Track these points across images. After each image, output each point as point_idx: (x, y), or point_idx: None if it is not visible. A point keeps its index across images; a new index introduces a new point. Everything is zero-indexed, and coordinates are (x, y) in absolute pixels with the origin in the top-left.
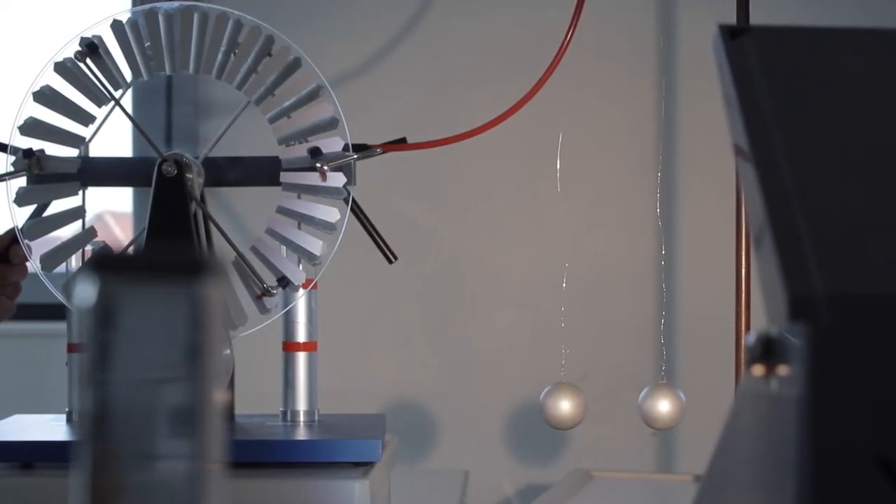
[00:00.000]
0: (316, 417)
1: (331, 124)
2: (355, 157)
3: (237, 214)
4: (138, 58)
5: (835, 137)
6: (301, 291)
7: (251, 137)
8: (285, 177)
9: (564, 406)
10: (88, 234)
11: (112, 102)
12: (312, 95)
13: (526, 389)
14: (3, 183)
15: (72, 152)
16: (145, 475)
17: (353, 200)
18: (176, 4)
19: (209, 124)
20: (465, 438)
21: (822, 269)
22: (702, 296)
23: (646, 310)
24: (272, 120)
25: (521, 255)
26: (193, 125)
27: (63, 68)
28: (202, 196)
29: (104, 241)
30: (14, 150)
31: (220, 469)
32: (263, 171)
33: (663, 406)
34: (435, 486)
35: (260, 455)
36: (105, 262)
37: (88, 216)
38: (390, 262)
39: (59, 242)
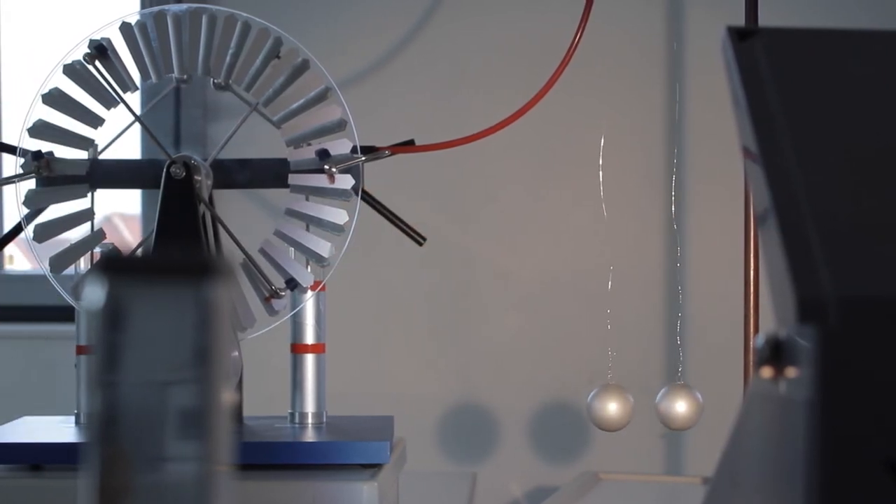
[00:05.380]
0: (324, 419)
1: (339, 126)
2: (363, 158)
3: (245, 216)
4: (147, 60)
5: (844, 139)
6: (309, 293)
7: (259, 139)
8: (293, 179)
9: (612, 408)
10: (97, 236)
11: (123, 105)
12: (321, 97)
13: (534, 391)
14: (13, 185)
15: (81, 154)
16: (154, 477)
17: (368, 194)
18: (184, 6)
19: (217, 126)
20: (474, 440)
21: (831, 270)
22: (710, 298)
23: (654, 312)
24: (280, 122)
25: (529, 256)
26: (202, 127)
27: (72, 70)
28: (211, 198)
29: (113, 243)
30: (23, 153)
31: (229, 471)
32: (272, 173)
33: (681, 406)
34: (443, 487)
35: (268, 457)
36: (114, 264)
37: (97, 218)
38: (420, 244)
39: (67, 245)
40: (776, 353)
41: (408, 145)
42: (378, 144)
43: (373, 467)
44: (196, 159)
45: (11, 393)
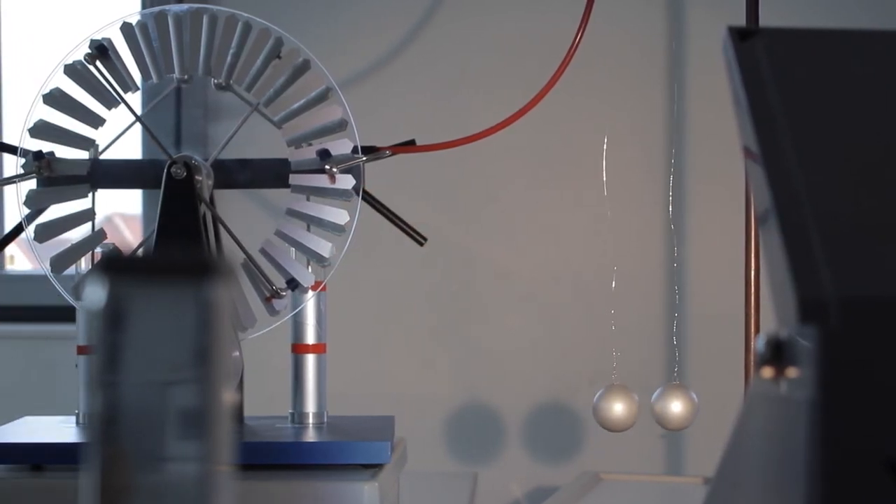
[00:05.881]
0: (325, 419)
1: (340, 126)
2: (364, 159)
3: (246, 217)
4: (148, 60)
5: (845, 139)
6: (310, 293)
7: (260, 139)
8: (294, 179)
9: (618, 408)
10: (98, 236)
11: (124, 105)
12: (321, 97)
13: (535, 391)
14: (14, 185)
15: (82, 155)
16: (154, 477)
17: (369, 194)
18: (185, 7)
19: (218, 127)
20: (474, 440)
21: (832, 271)
22: (711, 297)
23: (655, 312)
24: (281, 122)
25: (530, 256)
26: (202, 127)
27: (73, 70)
28: (211, 198)
29: (114, 244)
30: (24, 153)
31: (229, 471)
32: (272, 173)
33: (676, 406)
34: (444, 487)
35: (269, 457)
36: (114, 265)
37: (98, 218)
38: (421, 244)
39: (68, 245)
40: (777, 353)
41: (409, 145)
42: (379, 144)
43: (373, 467)
44: (197, 159)
45: (12, 393)
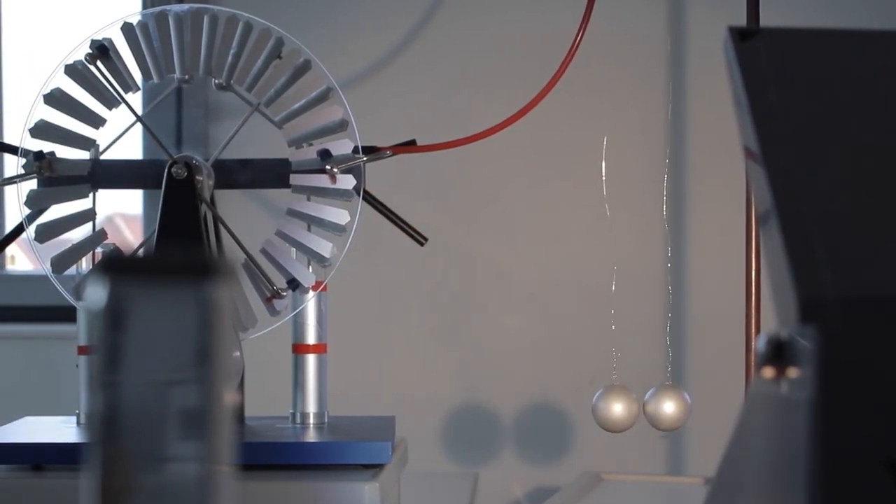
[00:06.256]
0: (325, 419)
1: (340, 126)
2: (365, 159)
3: (247, 217)
4: (148, 60)
5: (846, 139)
6: (311, 293)
7: (261, 140)
8: (295, 179)
9: (617, 409)
10: (99, 236)
11: (125, 105)
12: (322, 98)
13: (536, 391)
14: (14, 185)
15: (82, 155)
16: (155, 477)
17: (370, 194)
18: (186, 7)
19: (219, 127)
20: (475, 440)
21: (833, 271)
22: (712, 298)
23: (655, 312)
24: (282, 122)
25: (531, 256)
26: (203, 128)
27: (74, 70)
28: (212, 198)
29: (114, 244)
30: (25, 153)
31: (230, 471)
32: (273, 174)
33: (668, 407)
34: (445, 487)
35: (269, 457)
36: (115, 265)
37: (99, 218)
38: (421, 244)
39: (69, 245)
40: (778, 353)
41: (409, 145)
42: (379, 144)
43: (374, 467)
44: (197, 159)
45: (12, 393)
